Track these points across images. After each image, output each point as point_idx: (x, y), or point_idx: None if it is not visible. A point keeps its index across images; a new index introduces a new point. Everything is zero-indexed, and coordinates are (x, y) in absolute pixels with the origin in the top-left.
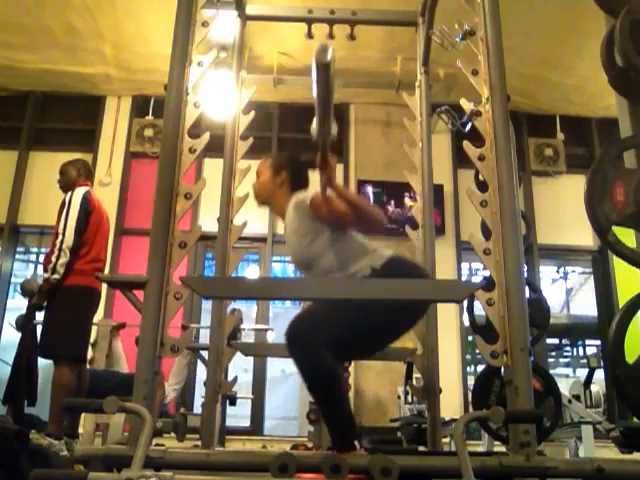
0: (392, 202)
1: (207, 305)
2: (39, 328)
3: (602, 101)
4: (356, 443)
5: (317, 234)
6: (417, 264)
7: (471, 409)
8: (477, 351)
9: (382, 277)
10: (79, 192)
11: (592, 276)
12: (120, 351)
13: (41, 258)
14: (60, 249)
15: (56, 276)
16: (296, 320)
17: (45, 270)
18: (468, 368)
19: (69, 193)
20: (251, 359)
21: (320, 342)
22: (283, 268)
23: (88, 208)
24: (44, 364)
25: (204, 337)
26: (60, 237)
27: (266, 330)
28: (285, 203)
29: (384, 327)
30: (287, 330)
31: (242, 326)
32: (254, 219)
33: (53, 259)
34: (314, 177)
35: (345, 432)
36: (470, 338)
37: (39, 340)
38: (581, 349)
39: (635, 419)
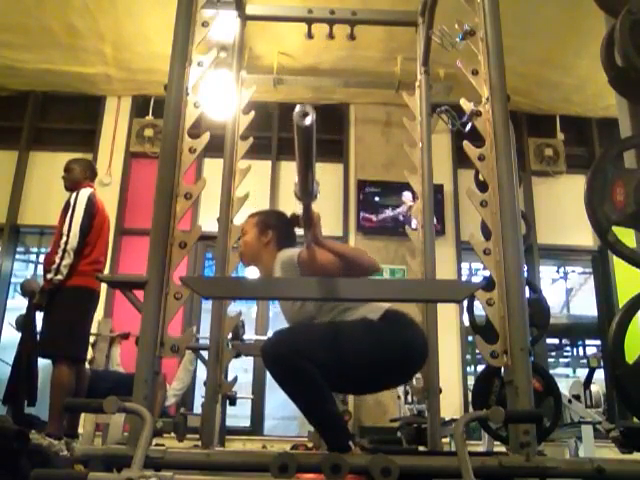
0: (390, 208)
1: (207, 305)
2: (39, 328)
3: (602, 101)
4: (351, 444)
5: None
6: (413, 320)
7: (471, 409)
8: (477, 351)
9: (379, 328)
10: (84, 193)
11: (592, 276)
12: (117, 358)
13: (41, 258)
14: (64, 250)
15: (59, 277)
16: (272, 336)
17: (46, 270)
18: (468, 368)
19: (74, 194)
20: (251, 359)
21: (294, 351)
22: None
23: (92, 210)
24: (44, 364)
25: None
26: (64, 238)
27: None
28: (271, 262)
29: (362, 375)
30: (262, 345)
31: (244, 337)
32: None
33: (57, 260)
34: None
35: (337, 434)
36: (470, 338)
37: (39, 340)
38: (581, 349)
39: (635, 419)
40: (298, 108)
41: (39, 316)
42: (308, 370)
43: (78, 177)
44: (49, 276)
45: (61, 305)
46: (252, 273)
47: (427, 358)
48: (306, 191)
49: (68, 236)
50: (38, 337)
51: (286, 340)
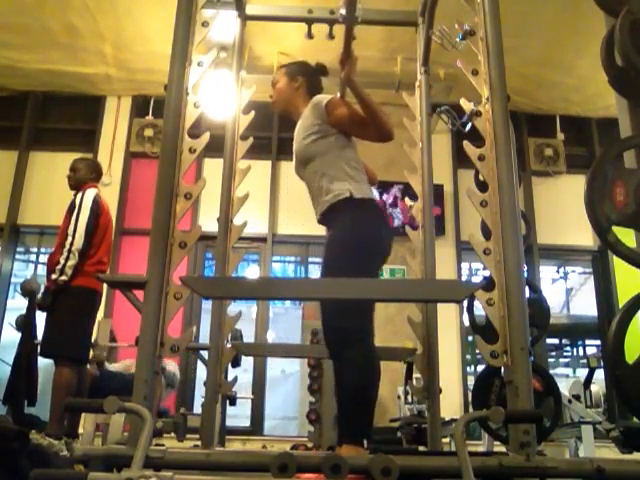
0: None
1: (207, 305)
2: (39, 328)
3: (602, 101)
4: (365, 441)
5: (323, 135)
6: (384, 219)
7: (471, 409)
8: (477, 351)
9: (353, 206)
10: (90, 194)
11: (592, 276)
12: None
13: (41, 258)
14: (69, 251)
15: (64, 277)
16: (333, 315)
17: (50, 271)
18: (468, 368)
19: (79, 194)
20: (251, 359)
21: (366, 329)
22: (283, 268)
23: (98, 211)
24: (44, 364)
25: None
26: (70, 239)
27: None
28: (302, 106)
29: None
30: (332, 328)
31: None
32: (254, 219)
33: (62, 260)
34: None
35: (363, 425)
36: (470, 338)
37: (41, 340)
38: (581, 349)
39: (635, 419)
40: None
41: (39, 316)
42: (372, 351)
43: (84, 177)
44: (54, 276)
45: (64, 305)
46: (252, 273)
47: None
48: (349, 12)
49: (74, 237)
50: (40, 337)
51: (344, 312)
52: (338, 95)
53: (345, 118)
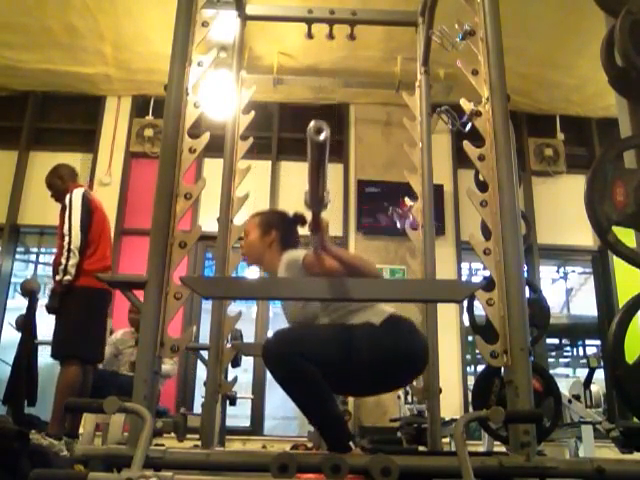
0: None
1: (207, 305)
2: (39, 328)
3: (602, 101)
4: (351, 444)
5: None
6: (415, 327)
7: (471, 409)
8: (477, 351)
9: (380, 334)
10: (77, 193)
11: (592, 276)
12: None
13: (41, 258)
14: (69, 250)
15: (68, 277)
16: (272, 336)
17: (55, 272)
18: (468, 368)
19: (67, 196)
20: (251, 359)
21: (295, 352)
22: None
23: (89, 207)
24: (44, 364)
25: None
26: (67, 238)
27: None
28: (276, 263)
29: (362, 378)
30: (263, 345)
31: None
32: None
33: (63, 260)
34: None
35: (338, 434)
36: (470, 338)
37: (52, 342)
38: (581, 349)
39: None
40: (313, 123)
41: (39, 316)
42: (309, 370)
43: (61, 186)
44: (58, 277)
45: (70, 306)
46: (252, 273)
47: (427, 365)
48: (316, 200)
49: (70, 236)
50: (52, 338)
51: (287, 340)
52: (311, 252)
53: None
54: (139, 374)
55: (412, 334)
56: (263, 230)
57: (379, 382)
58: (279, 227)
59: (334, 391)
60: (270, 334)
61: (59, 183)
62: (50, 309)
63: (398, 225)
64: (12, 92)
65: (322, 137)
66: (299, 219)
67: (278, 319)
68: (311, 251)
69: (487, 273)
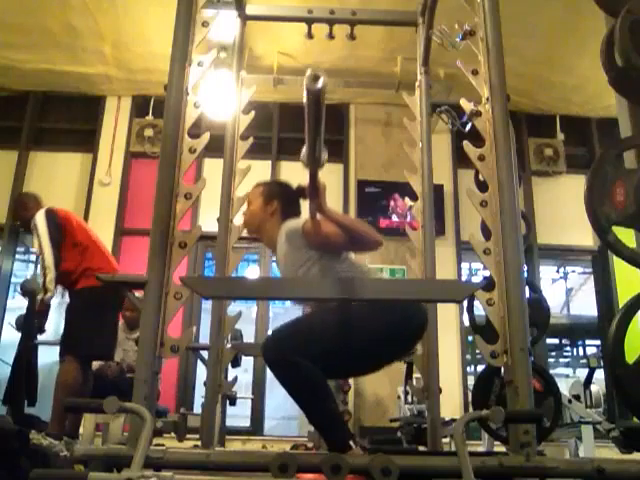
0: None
1: (207, 305)
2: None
3: (602, 101)
4: (351, 443)
5: (310, 263)
6: None
7: (471, 409)
8: (477, 351)
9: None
10: (39, 213)
11: (592, 276)
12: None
13: None
14: (43, 267)
15: (49, 294)
16: (271, 334)
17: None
18: (468, 368)
19: (32, 221)
20: (251, 359)
21: (294, 350)
22: None
23: (56, 221)
24: (44, 364)
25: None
26: (40, 257)
27: None
28: (276, 233)
29: (365, 353)
30: (263, 343)
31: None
32: None
33: (40, 279)
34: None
35: (338, 433)
36: (470, 338)
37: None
38: (581, 349)
39: (635, 419)
40: (309, 72)
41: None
42: (309, 369)
43: (27, 214)
44: (39, 297)
45: (74, 307)
46: (252, 273)
47: (426, 329)
48: (313, 158)
49: (42, 253)
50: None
51: (286, 338)
52: (309, 219)
53: (324, 243)
54: (139, 374)
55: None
56: (265, 200)
57: (381, 352)
58: (281, 197)
59: (340, 376)
60: (269, 333)
61: (25, 214)
62: (40, 330)
63: (396, 218)
64: (12, 92)
65: (319, 84)
66: (301, 191)
67: (278, 319)
68: (310, 218)
69: (487, 273)
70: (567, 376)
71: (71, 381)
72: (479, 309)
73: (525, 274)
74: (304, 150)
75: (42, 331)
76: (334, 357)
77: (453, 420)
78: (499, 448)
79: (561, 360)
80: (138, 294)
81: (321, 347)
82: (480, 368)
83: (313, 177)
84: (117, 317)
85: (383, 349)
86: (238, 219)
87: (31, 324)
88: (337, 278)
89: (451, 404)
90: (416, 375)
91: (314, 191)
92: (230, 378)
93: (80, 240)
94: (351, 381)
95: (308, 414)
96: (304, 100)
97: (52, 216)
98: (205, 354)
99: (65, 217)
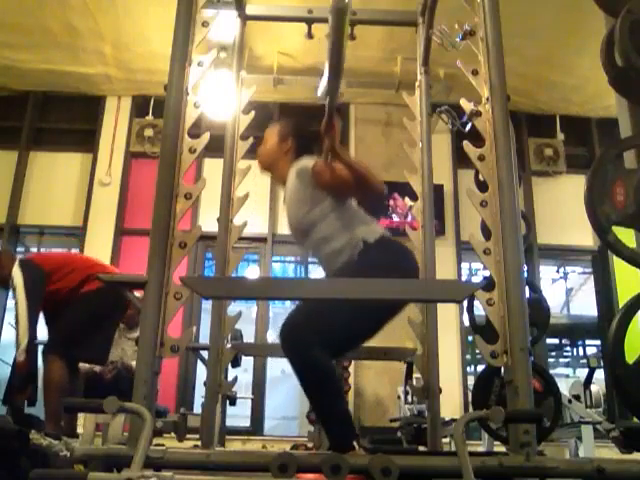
0: (390, 207)
1: (207, 305)
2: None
3: (602, 101)
4: (355, 444)
5: (317, 202)
6: (407, 248)
7: (471, 409)
8: (477, 351)
9: (373, 252)
10: (15, 269)
11: (592, 276)
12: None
13: None
14: (16, 340)
15: (21, 358)
16: (288, 319)
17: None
18: (468, 368)
19: (10, 279)
20: (251, 359)
21: (313, 340)
22: (283, 268)
23: (32, 270)
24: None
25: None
26: (15, 330)
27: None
28: (287, 170)
29: (370, 323)
30: (280, 330)
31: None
32: (254, 219)
33: (15, 345)
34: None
35: (344, 431)
36: (470, 338)
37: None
38: (581, 349)
39: (635, 419)
40: None
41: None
42: (325, 364)
43: (6, 271)
44: (18, 359)
45: (74, 306)
46: (252, 273)
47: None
48: (332, 89)
49: (17, 326)
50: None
51: (303, 327)
52: (321, 160)
53: (332, 185)
54: (139, 374)
55: (403, 254)
56: (281, 137)
57: (376, 325)
58: (296, 136)
59: (358, 344)
60: (285, 317)
61: (2, 272)
62: (30, 402)
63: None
64: (12, 92)
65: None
66: (317, 133)
67: (278, 319)
68: (321, 158)
69: (487, 273)
70: (567, 376)
71: (58, 379)
72: (479, 309)
73: (525, 274)
74: (322, 83)
75: (33, 403)
76: (354, 335)
77: (453, 420)
78: (499, 448)
79: (561, 360)
80: (138, 294)
81: (338, 332)
82: (480, 368)
83: (330, 110)
84: (116, 324)
85: (381, 313)
86: (238, 219)
87: (31, 323)
88: (336, 278)
89: (451, 404)
90: (416, 375)
91: (329, 127)
92: (230, 378)
93: (64, 267)
94: (351, 381)
95: (318, 408)
96: (329, 21)
97: (26, 267)
98: (205, 354)
99: (43, 260)
